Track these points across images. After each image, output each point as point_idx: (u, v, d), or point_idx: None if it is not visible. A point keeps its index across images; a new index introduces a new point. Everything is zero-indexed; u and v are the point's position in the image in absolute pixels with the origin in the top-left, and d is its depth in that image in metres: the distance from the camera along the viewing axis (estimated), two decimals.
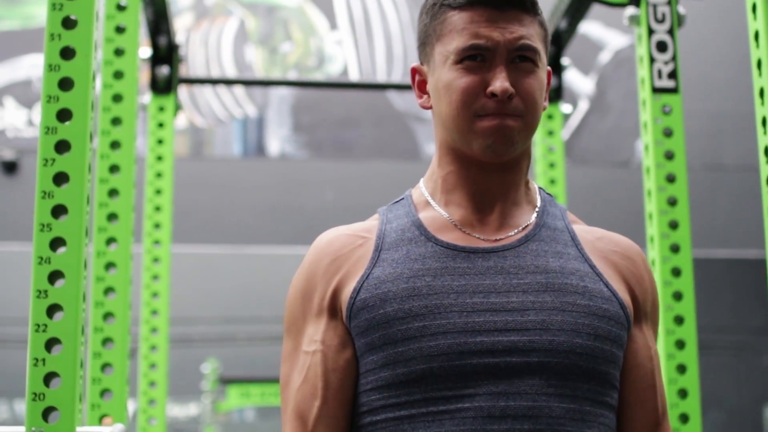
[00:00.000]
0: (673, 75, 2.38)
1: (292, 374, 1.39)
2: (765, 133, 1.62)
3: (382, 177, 9.26)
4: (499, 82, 1.36)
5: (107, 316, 2.19)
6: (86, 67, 1.56)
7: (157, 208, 3.11)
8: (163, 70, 3.16)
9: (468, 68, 1.38)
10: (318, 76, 10.46)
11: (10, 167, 9.09)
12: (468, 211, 1.43)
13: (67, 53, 1.57)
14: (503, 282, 1.35)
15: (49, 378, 1.50)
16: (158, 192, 3.11)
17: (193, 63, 10.40)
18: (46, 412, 1.49)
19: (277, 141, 10.27)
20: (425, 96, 1.48)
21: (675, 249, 2.28)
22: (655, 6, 2.41)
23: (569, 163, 10.22)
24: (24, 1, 10.06)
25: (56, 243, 1.54)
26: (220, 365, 7.62)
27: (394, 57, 10.62)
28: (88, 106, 1.56)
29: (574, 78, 10.47)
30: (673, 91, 2.37)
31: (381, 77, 10.57)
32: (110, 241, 2.23)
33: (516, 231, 1.42)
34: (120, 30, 2.32)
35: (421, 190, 1.49)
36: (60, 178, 1.55)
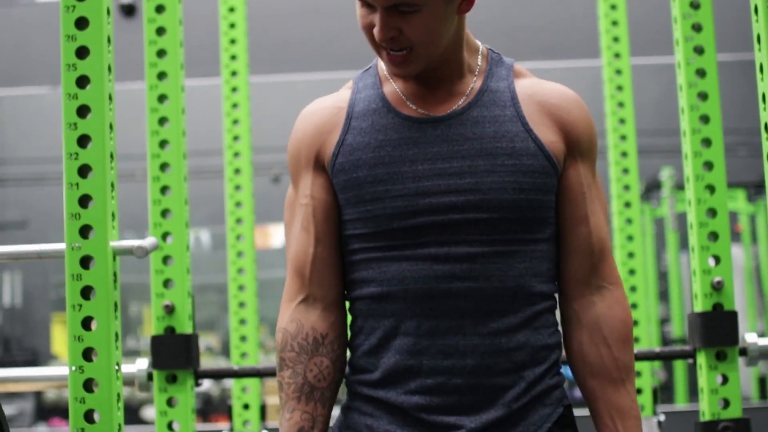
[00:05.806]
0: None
1: (293, 221, 1.76)
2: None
3: None
4: (377, 30, 1.62)
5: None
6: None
7: (232, 41, 3.45)
8: None
9: (365, 10, 1.64)
10: None
11: (129, 10, 9.27)
12: (419, 88, 1.72)
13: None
14: (447, 149, 1.66)
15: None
16: (232, 26, 3.44)
17: None
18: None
19: None
20: None
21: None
22: None
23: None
24: None
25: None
26: None
27: None
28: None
29: None
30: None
31: None
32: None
33: (462, 99, 1.71)
34: None
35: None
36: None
